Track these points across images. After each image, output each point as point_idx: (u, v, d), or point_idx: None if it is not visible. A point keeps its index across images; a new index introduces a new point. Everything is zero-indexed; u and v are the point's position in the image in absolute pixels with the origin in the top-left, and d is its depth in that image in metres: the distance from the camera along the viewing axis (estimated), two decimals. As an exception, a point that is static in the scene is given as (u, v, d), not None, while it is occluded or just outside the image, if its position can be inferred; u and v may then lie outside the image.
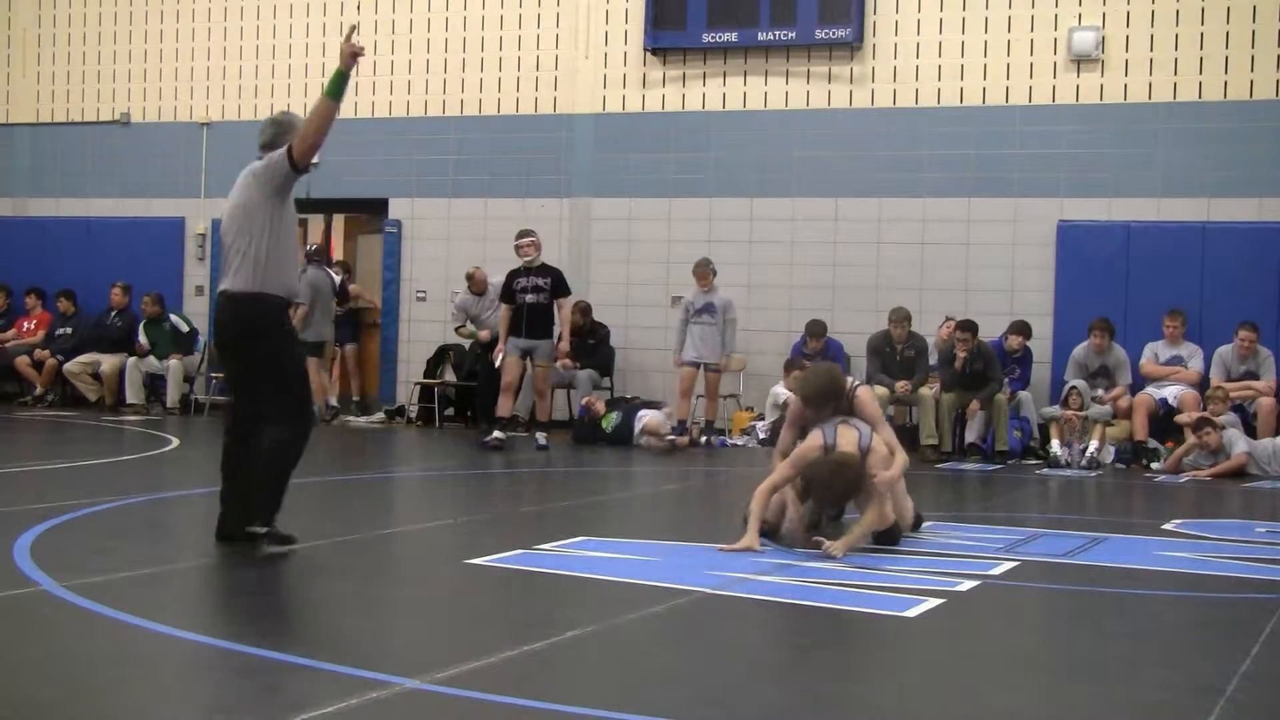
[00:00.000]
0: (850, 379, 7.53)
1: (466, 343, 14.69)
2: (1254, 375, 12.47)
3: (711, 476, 11.33)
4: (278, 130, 6.54)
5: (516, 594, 5.82)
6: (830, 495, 6.89)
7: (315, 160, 6.40)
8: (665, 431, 13.04)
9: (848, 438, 7.00)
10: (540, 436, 12.46)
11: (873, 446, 6.99)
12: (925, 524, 7.59)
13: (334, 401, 14.97)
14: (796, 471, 6.97)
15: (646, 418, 13.22)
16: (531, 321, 12.52)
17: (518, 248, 12.69)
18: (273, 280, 6.35)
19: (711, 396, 13.62)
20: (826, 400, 7.21)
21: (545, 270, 12.61)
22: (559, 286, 12.59)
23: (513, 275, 12.69)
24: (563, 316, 12.66)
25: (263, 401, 6.40)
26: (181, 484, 9.63)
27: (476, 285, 14.34)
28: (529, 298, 12.51)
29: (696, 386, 13.60)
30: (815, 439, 7.06)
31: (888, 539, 6.95)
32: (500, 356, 12.56)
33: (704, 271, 13.56)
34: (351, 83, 6.69)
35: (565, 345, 12.70)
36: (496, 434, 12.31)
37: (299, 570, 6.19)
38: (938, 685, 4.47)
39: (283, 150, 6.33)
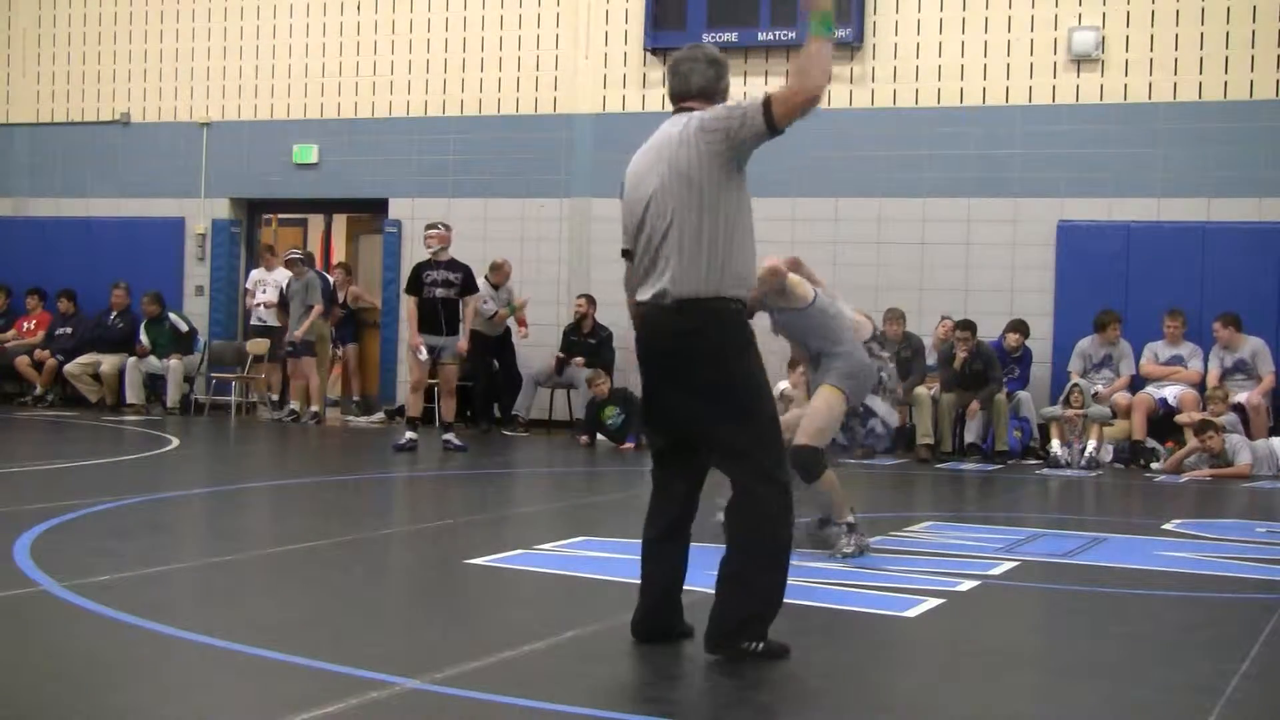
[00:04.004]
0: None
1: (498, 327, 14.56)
2: (1246, 365, 12.47)
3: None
4: (721, 71, 4.72)
5: (516, 594, 5.82)
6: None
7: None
8: None
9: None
10: (452, 438, 12.06)
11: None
12: (925, 524, 7.57)
13: (315, 407, 14.79)
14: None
15: None
16: (440, 317, 12.09)
17: (425, 239, 12.37)
18: (736, 278, 4.51)
19: None
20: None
21: (455, 265, 12.17)
22: (468, 283, 12.17)
23: (421, 268, 12.24)
24: (466, 314, 12.17)
25: (720, 447, 4.61)
26: (181, 484, 9.65)
27: (499, 276, 14.38)
28: (439, 292, 12.06)
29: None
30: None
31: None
32: (422, 350, 11.98)
33: None
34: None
35: (464, 343, 12.21)
36: (409, 435, 11.87)
37: (299, 570, 6.19)
38: (937, 685, 4.47)
39: (756, 101, 4.46)
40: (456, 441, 12.08)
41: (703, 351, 4.49)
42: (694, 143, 4.49)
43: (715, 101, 4.67)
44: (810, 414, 6.59)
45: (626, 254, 4.74)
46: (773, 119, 4.40)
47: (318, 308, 14.62)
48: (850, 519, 6.69)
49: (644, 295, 4.58)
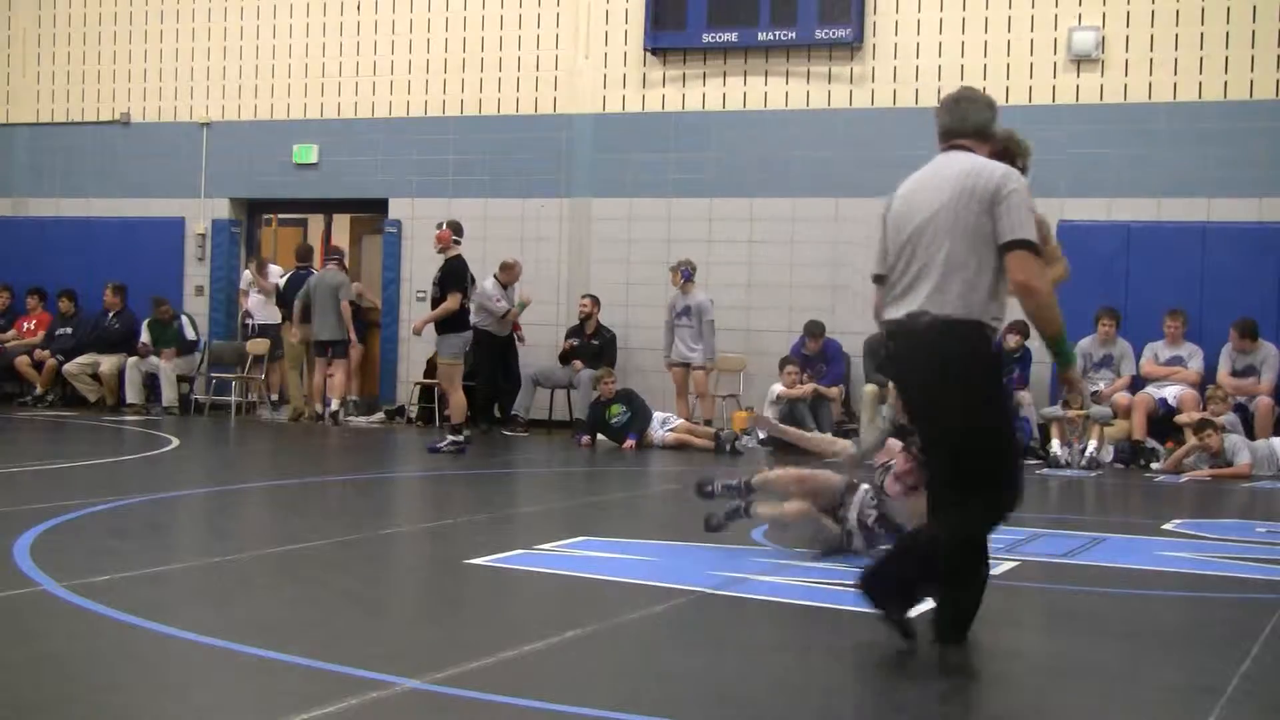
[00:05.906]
0: None
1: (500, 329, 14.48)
2: (1256, 370, 12.49)
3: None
4: (996, 114, 5.00)
5: (516, 594, 5.82)
6: None
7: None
8: (701, 434, 13.13)
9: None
10: (440, 443, 11.88)
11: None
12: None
13: (318, 408, 14.77)
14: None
15: (679, 420, 13.33)
16: None
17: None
18: (990, 308, 4.68)
19: (702, 395, 13.69)
20: None
21: (442, 266, 12.11)
22: (443, 280, 11.97)
23: None
24: (438, 309, 11.90)
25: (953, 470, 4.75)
26: (181, 484, 9.65)
27: (508, 276, 14.35)
28: (429, 291, 12.15)
29: (689, 386, 13.76)
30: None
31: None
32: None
33: (674, 273, 13.70)
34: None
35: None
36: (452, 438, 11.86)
37: (299, 570, 6.19)
38: (938, 685, 4.47)
39: (1018, 236, 4.63)
40: (443, 445, 11.75)
41: (953, 372, 4.63)
42: (973, 200, 4.73)
43: (988, 140, 4.93)
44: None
45: (879, 279, 5.01)
46: (1028, 242, 4.60)
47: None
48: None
49: (907, 310, 4.73)
